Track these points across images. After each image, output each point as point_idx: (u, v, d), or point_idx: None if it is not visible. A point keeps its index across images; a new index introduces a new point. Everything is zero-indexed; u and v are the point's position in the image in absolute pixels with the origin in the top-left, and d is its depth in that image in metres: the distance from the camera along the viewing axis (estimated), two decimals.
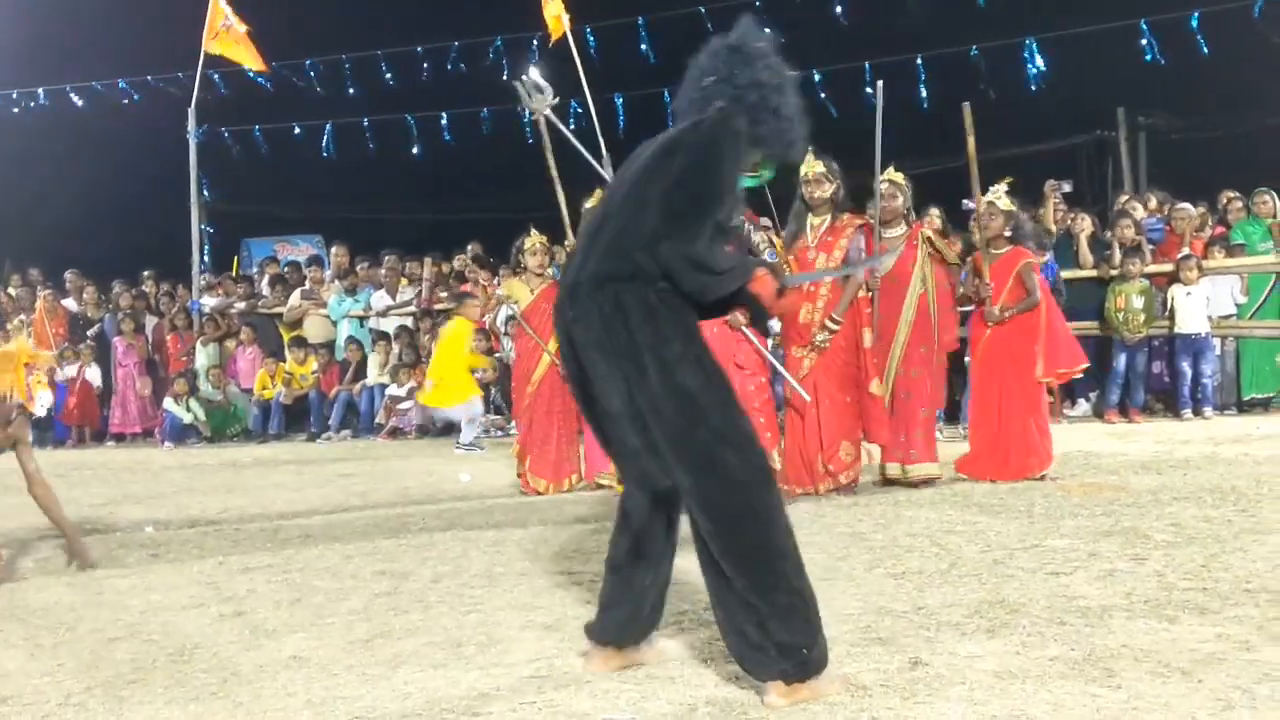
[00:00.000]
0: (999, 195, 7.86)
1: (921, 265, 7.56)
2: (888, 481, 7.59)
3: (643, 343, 3.49)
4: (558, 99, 6.98)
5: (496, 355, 12.68)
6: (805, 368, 7.39)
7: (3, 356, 6.24)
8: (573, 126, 8.04)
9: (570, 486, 8.33)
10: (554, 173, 8.15)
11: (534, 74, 6.73)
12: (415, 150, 17.86)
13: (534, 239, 8.62)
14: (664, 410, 3.49)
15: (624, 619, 3.81)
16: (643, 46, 16.48)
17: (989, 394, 7.75)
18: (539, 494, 8.17)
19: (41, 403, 6.32)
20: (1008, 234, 7.84)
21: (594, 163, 7.13)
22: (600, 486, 8.08)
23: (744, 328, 7.11)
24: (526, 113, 7.97)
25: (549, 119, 7.09)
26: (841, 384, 7.44)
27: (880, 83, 7.91)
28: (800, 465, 7.43)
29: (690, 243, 3.51)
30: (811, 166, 7.45)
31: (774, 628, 3.40)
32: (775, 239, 7.54)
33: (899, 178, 7.67)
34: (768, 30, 3.96)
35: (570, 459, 8.40)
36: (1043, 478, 7.44)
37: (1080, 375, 11.89)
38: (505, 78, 16.55)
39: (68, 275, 16.39)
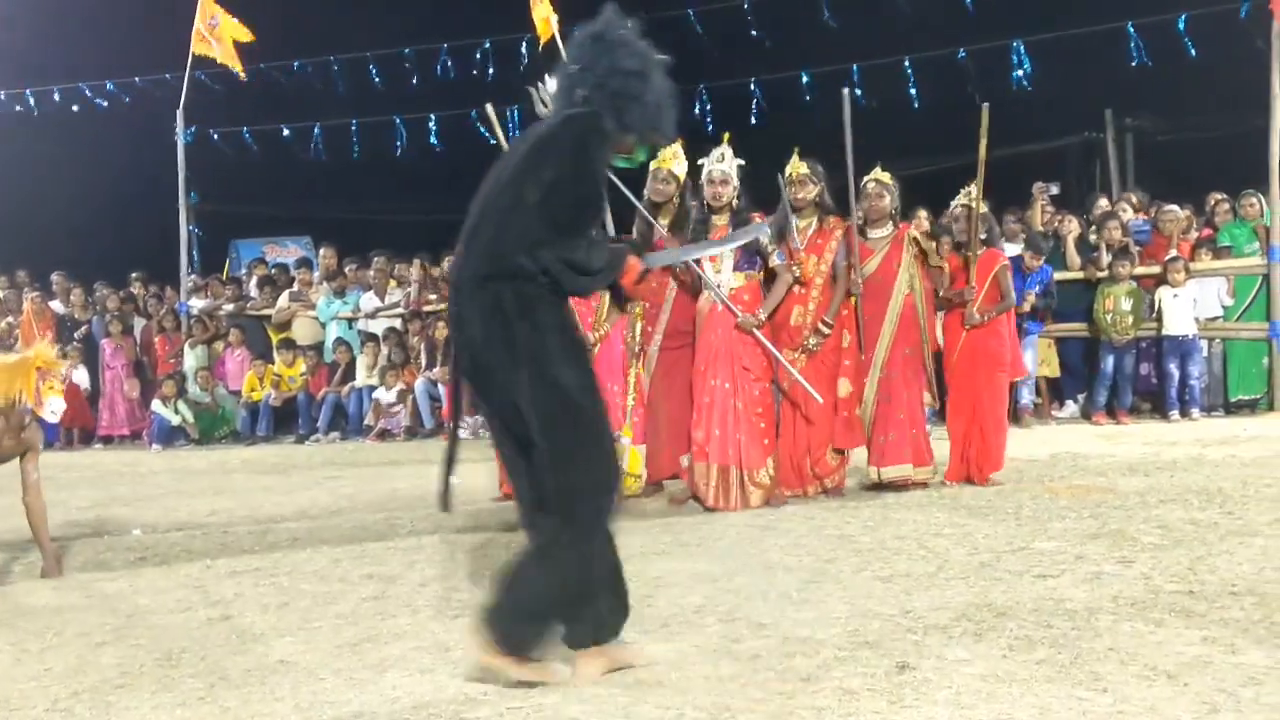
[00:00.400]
0: (970, 198, 7.82)
1: (908, 267, 7.53)
2: (872, 485, 7.58)
3: (519, 339, 3.64)
4: None
5: None
6: (796, 370, 7.37)
7: (18, 363, 6.24)
8: None
9: None
10: None
11: (551, 82, 6.71)
12: (401, 152, 17.82)
13: None
14: (539, 403, 3.65)
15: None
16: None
17: (965, 397, 7.76)
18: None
19: (52, 409, 6.29)
20: (982, 236, 7.83)
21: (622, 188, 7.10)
22: None
23: (755, 330, 7.12)
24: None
25: None
26: (830, 387, 7.43)
27: (845, 90, 7.93)
28: (789, 467, 7.44)
29: (571, 249, 3.68)
30: (796, 168, 7.44)
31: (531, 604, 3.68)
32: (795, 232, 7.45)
33: (885, 177, 7.64)
34: (632, 21, 4.04)
35: None
36: (989, 481, 7.54)
37: (1058, 376, 12.02)
38: (492, 78, 16.59)
39: (54, 277, 16.31)
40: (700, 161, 7.35)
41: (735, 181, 7.23)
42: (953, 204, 8.09)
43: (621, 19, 4.00)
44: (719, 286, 7.19)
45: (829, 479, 7.46)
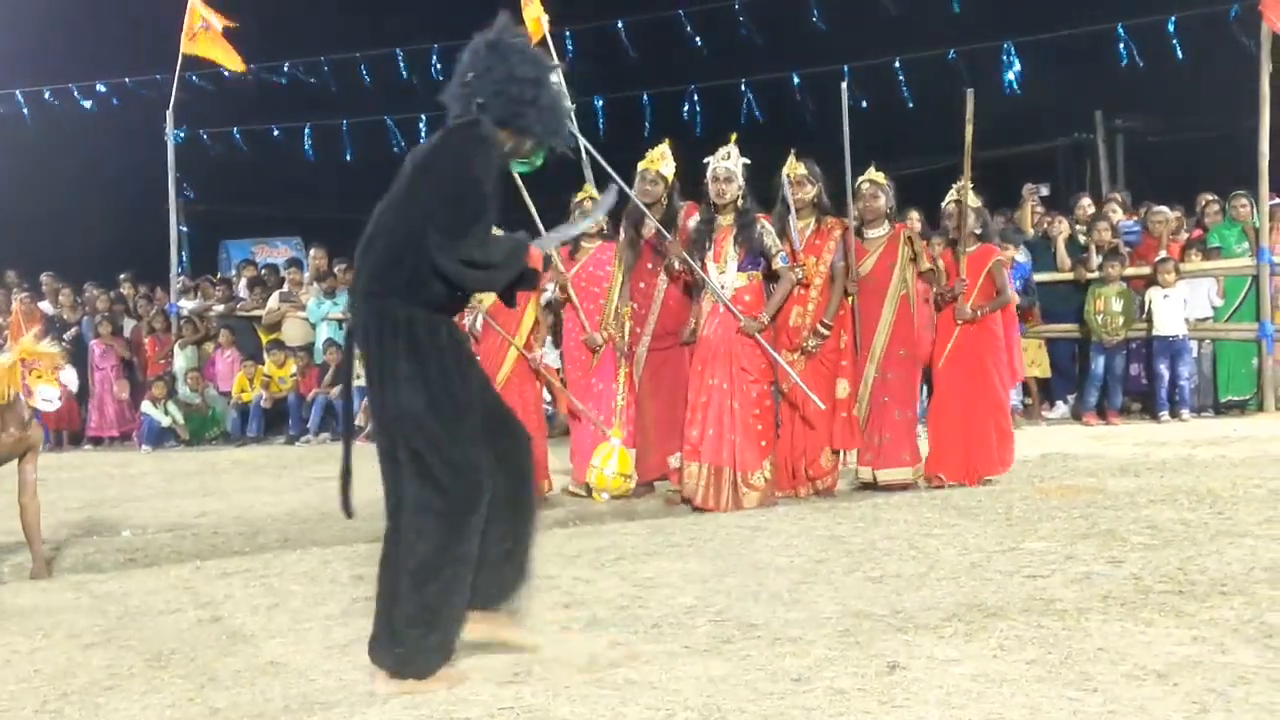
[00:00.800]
0: (964, 193, 7.80)
1: (903, 267, 7.53)
2: (864, 485, 7.60)
3: (384, 357, 3.78)
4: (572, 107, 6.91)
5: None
6: (795, 373, 7.34)
7: (7, 360, 6.21)
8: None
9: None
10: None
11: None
12: (396, 150, 17.80)
13: (585, 192, 8.23)
14: (388, 422, 3.82)
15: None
16: (624, 49, 16.49)
17: (955, 394, 7.67)
18: None
19: (45, 397, 6.24)
20: (977, 231, 7.82)
21: (615, 178, 6.98)
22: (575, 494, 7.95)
23: (757, 334, 7.11)
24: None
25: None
26: (829, 388, 7.43)
27: (844, 85, 7.91)
28: (784, 469, 7.45)
29: (465, 250, 3.75)
30: (794, 168, 7.44)
31: (398, 627, 3.74)
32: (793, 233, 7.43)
33: (880, 177, 7.63)
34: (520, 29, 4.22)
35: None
36: (989, 481, 7.48)
37: (1048, 377, 12.04)
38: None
39: (43, 278, 16.27)
40: (705, 160, 7.31)
41: (740, 180, 7.19)
42: (945, 200, 8.06)
43: (513, 27, 4.11)
44: (722, 288, 7.17)
45: (821, 480, 7.48)
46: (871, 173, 7.64)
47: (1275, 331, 11.09)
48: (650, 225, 7.53)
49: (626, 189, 7.18)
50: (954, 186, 7.89)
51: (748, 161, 7.28)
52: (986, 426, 7.59)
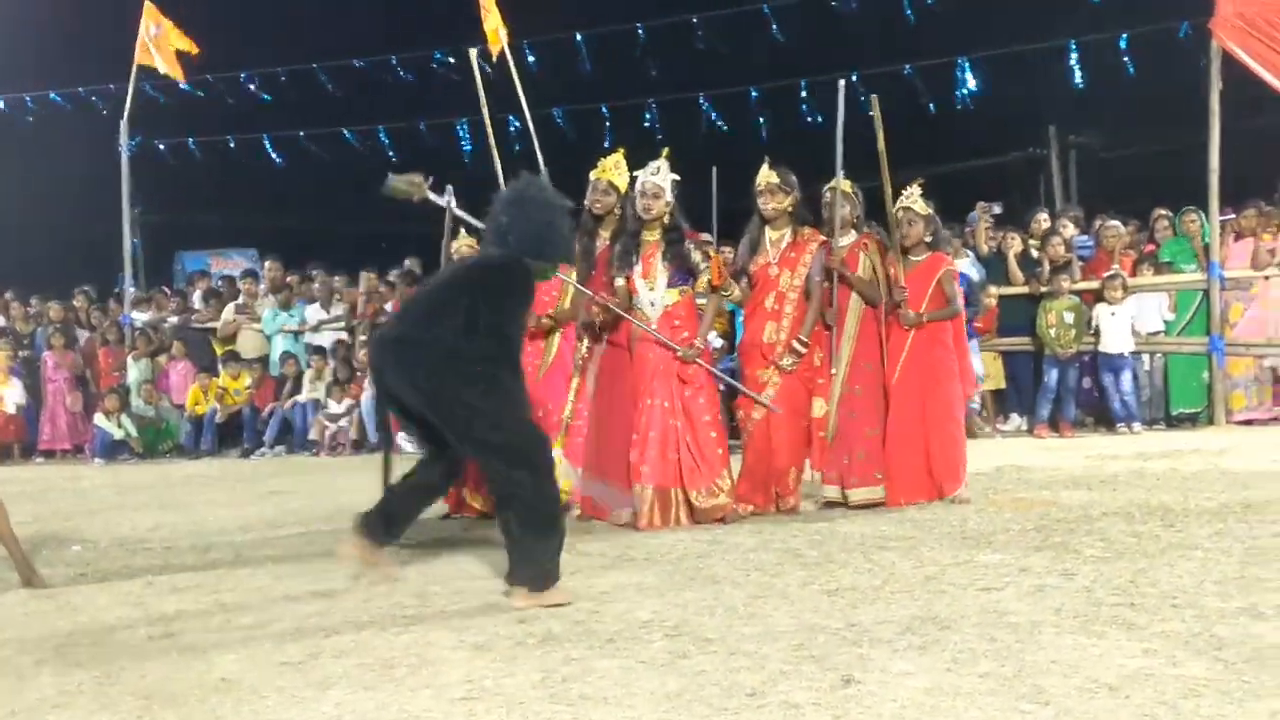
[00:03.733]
0: (914, 199, 7.57)
1: (867, 274, 7.36)
2: (829, 504, 7.35)
3: (445, 381, 5.20)
4: (431, 178, 6.92)
5: None
6: (769, 389, 7.22)
7: None
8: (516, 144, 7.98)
9: None
10: (500, 182, 8.08)
11: (392, 177, 6.67)
12: (348, 163, 17.76)
13: (461, 241, 8.06)
14: (460, 418, 5.21)
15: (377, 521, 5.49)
16: (583, 61, 16.51)
17: (909, 410, 7.37)
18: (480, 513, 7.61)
19: (11, 399, 6.18)
20: (928, 239, 7.59)
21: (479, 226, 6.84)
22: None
23: (697, 360, 7.01)
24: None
25: (435, 201, 6.96)
26: (804, 407, 7.27)
27: (842, 83, 7.65)
28: (756, 485, 7.28)
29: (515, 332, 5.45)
30: (766, 177, 7.26)
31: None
32: (713, 253, 7.27)
33: (847, 186, 7.44)
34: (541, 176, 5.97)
35: None
36: (953, 499, 7.23)
37: (1002, 389, 12.10)
38: (442, 90, 16.54)
39: None
40: (635, 174, 7.21)
41: (668, 196, 7.05)
42: (894, 206, 7.67)
43: (536, 181, 5.81)
44: (651, 304, 7.06)
45: (789, 499, 7.29)
46: (841, 182, 7.42)
47: (1225, 345, 11.23)
48: (604, 237, 7.41)
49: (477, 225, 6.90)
50: (905, 193, 7.61)
51: (677, 178, 7.14)
52: (943, 440, 7.37)
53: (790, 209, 7.33)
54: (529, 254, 5.41)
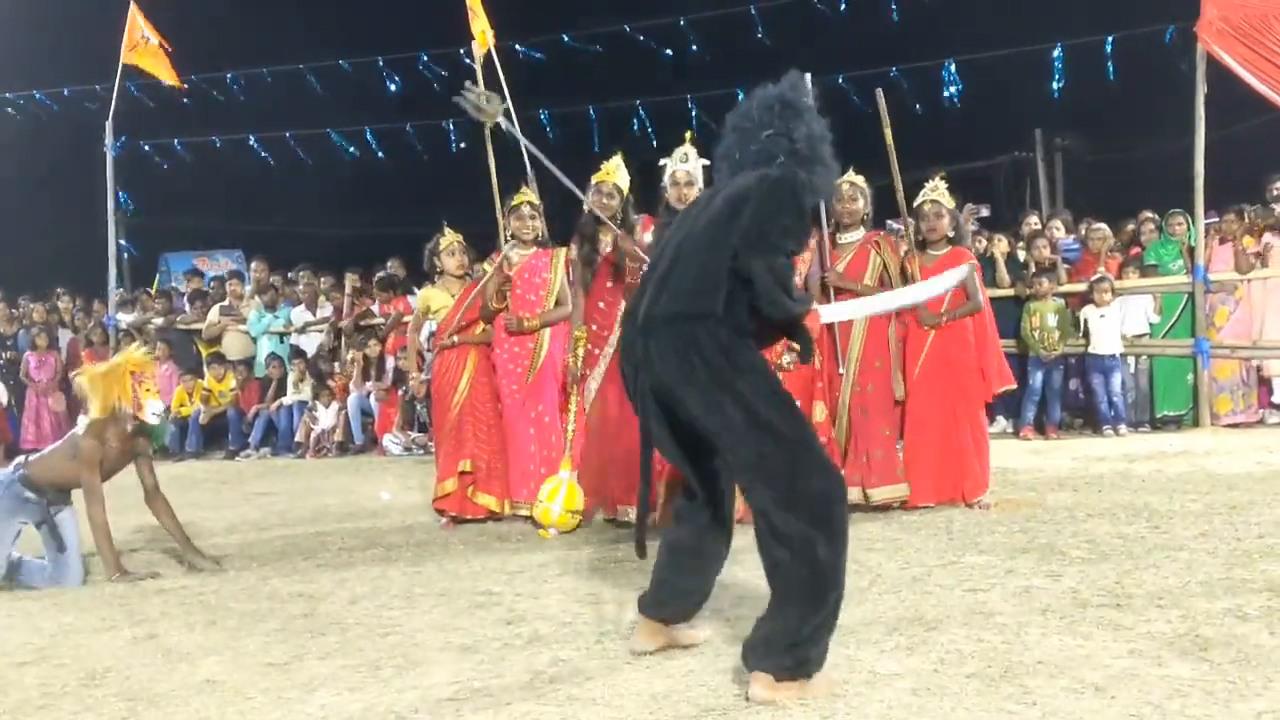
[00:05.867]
0: (940, 192, 7.45)
1: (873, 276, 7.24)
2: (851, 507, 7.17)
3: (717, 376, 3.78)
4: (506, 103, 6.73)
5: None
6: None
7: (111, 369, 6.41)
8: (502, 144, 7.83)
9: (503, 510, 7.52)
10: (494, 180, 8.04)
11: (475, 87, 6.41)
12: (337, 165, 17.74)
13: (449, 238, 7.98)
14: (744, 437, 3.75)
15: (667, 598, 4.20)
16: (572, 62, 16.52)
17: (929, 410, 7.23)
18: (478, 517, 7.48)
19: (153, 411, 6.32)
20: (950, 234, 7.43)
21: (551, 167, 6.58)
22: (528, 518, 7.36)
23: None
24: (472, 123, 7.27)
25: (506, 127, 6.70)
26: (806, 406, 6.93)
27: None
28: None
29: (775, 259, 3.84)
30: None
31: (798, 630, 3.65)
32: None
33: (859, 180, 7.31)
34: (809, 78, 4.27)
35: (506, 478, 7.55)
36: (973, 504, 7.06)
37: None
38: (429, 91, 16.52)
39: None
40: (661, 163, 7.02)
41: (700, 182, 6.84)
42: (917, 200, 7.55)
43: (805, 84, 4.23)
44: None
45: None
46: (850, 175, 7.26)
47: (1210, 348, 11.26)
48: (607, 241, 7.25)
49: (581, 195, 6.89)
50: (928, 185, 7.51)
51: (707, 162, 6.79)
52: (965, 441, 7.21)
53: None
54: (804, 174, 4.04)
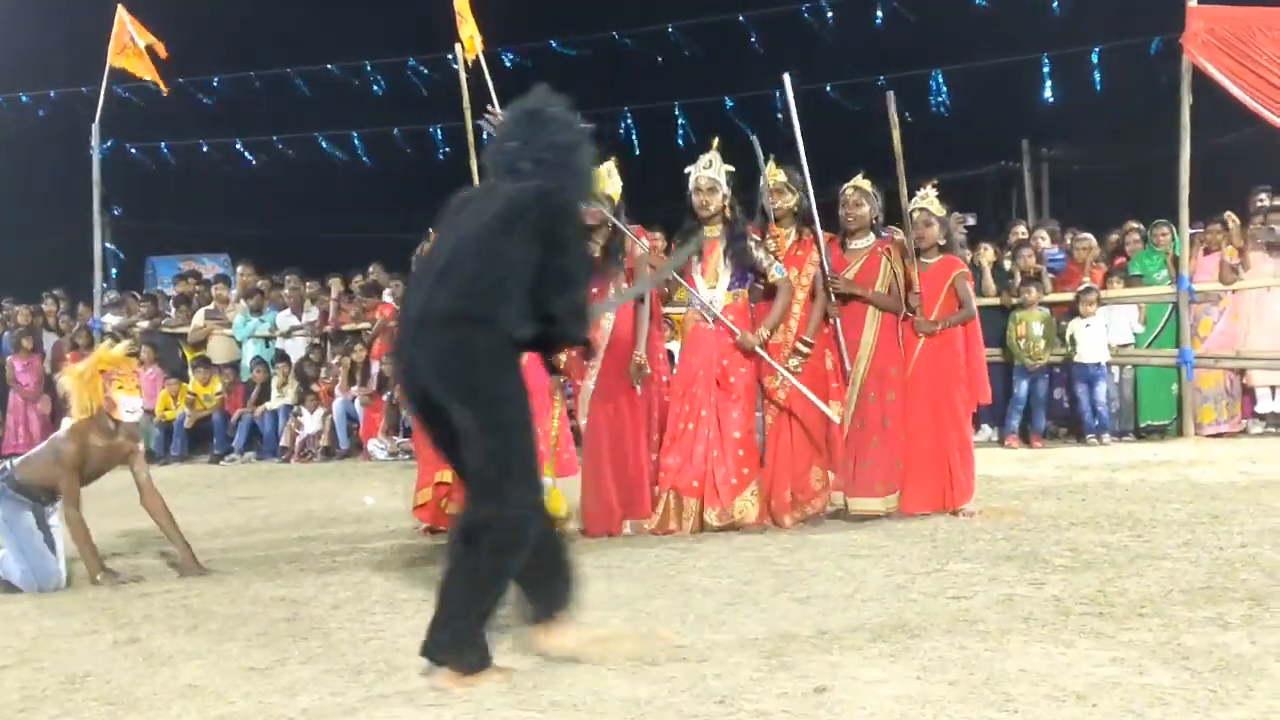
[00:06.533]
0: (930, 200, 7.43)
1: (885, 281, 7.19)
2: (836, 512, 7.13)
3: (476, 380, 3.93)
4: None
5: None
6: (780, 391, 7.00)
7: (83, 370, 6.31)
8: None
9: None
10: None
11: (498, 111, 6.46)
12: (324, 169, 17.71)
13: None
14: (474, 440, 3.92)
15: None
16: (560, 68, 16.52)
17: (918, 418, 7.20)
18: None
19: (128, 409, 6.24)
20: (941, 242, 7.43)
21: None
22: None
23: (757, 348, 6.81)
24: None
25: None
26: (810, 408, 6.95)
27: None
28: (776, 497, 6.99)
29: (577, 298, 4.11)
30: (772, 175, 7.11)
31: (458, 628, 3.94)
32: (780, 234, 7.12)
33: (866, 184, 7.27)
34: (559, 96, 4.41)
35: None
36: (957, 512, 7.05)
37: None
38: (417, 97, 16.52)
39: None
40: (686, 170, 6.99)
41: (725, 189, 6.84)
42: (909, 208, 7.51)
43: (551, 95, 4.38)
44: (711, 303, 6.87)
45: (812, 504, 7.00)
46: (857, 180, 7.27)
47: (1195, 358, 11.30)
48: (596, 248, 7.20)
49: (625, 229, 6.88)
50: (919, 194, 7.48)
51: (731, 169, 6.94)
52: (952, 449, 7.18)
53: (795, 208, 7.17)
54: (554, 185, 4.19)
